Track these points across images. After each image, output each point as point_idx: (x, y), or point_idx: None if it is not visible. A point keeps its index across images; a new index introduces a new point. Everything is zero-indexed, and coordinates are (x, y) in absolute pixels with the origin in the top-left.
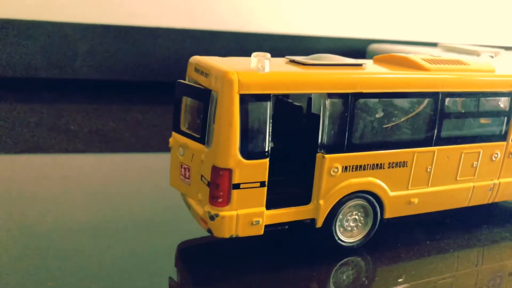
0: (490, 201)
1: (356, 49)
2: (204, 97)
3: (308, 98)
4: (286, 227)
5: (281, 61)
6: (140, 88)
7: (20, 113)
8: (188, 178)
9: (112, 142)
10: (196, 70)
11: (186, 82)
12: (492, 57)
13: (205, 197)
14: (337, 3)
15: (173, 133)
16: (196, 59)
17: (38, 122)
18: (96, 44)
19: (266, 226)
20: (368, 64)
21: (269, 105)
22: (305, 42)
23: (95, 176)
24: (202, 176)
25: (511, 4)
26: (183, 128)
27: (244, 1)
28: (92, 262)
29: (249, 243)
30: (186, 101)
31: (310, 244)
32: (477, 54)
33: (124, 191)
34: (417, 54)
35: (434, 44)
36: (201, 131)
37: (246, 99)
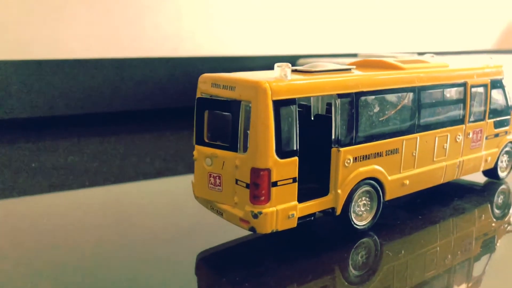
0: (457, 177)
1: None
2: (233, 108)
3: (306, 106)
4: (312, 218)
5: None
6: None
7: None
8: (219, 186)
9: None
10: (216, 85)
11: (208, 97)
12: (432, 57)
13: (244, 199)
14: (265, 25)
15: (196, 146)
16: (210, 76)
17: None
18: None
19: (301, 218)
20: (353, 68)
21: (295, 108)
22: (241, 62)
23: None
24: (237, 180)
25: (425, 10)
26: (207, 140)
27: (172, 26)
28: (112, 273)
29: (263, 244)
30: (208, 114)
31: (319, 234)
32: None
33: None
34: (387, 57)
35: (354, 55)
36: (232, 140)
37: (278, 104)
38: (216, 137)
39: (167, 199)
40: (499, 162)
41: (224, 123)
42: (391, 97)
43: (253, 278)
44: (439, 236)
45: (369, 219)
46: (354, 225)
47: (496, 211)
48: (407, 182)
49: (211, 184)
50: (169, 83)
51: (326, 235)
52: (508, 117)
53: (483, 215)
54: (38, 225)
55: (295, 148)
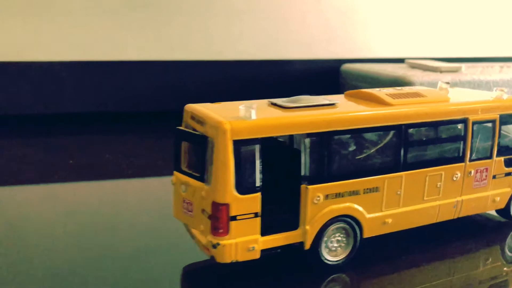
0: (456, 217)
1: (330, 70)
2: (201, 143)
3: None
4: (279, 250)
5: (264, 104)
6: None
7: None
8: (191, 211)
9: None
10: (192, 118)
11: (184, 128)
12: (448, 83)
13: (207, 228)
14: (308, 26)
15: (175, 172)
16: (191, 107)
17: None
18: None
19: (261, 250)
20: (341, 101)
21: (257, 147)
22: (279, 66)
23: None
24: (203, 210)
25: (475, 15)
26: (184, 168)
27: (216, 30)
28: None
29: (247, 266)
30: (185, 144)
31: (300, 265)
32: (439, 70)
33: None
34: (382, 90)
35: (401, 60)
36: (200, 171)
37: (238, 144)
38: (190, 166)
39: None
40: None
41: (196, 154)
42: (370, 136)
43: None
44: (433, 275)
45: (344, 255)
46: (326, 260)
47: (509, 253)
48: (390, 220)
49: (185, 209)
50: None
51: (308, 264)
52: None
53: (491, 258)
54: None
55: (257, 185)
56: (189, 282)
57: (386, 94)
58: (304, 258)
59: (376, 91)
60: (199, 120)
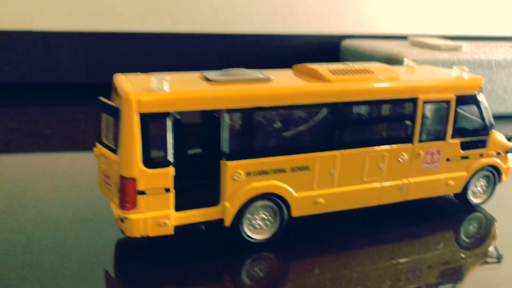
0: (404, 199)
1: (330, 46)
2: (115, 114)
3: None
4: (203, 227)
5: (195, 76)
6: None
7: None
8: (109, 185)
9: None
10: (113, 88)
11: (103, 99)
12: (416, 61)
13: (118, 202)
14: (310, 0)
15: (97, 144)
16: (115, 77)
17: None
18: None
19: (179, 226)
20: (280, 76)
21: (169, 120)
22: (278, 41)
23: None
24: (116, 183)
25: None
26: (103, 140)
27: (217, 2)
28: (31, 257)
29: (165, 241)
30: (104, 115)
31: (226, 241)
32: (438, 48)
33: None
34: (330, 65)
35: (402, 37)
36: (114, 144)
37: (145, 117)
38: (107, 139)
39: None
40: (472, 187)
41: (112, 126)
42: (300, 112)
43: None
44: (373, 258)
45: (269, 234)
46: (248, 238)
47: (464, 239)
48: (322, 200)
49: (105, 182)
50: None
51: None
52: (484, 137)
53: (442, 242)
54: None
55: (168, 159)
56: (104, 255)
57: (329, 70)
58: (229, 235)
59: (319, 66)
60: (116, 91)
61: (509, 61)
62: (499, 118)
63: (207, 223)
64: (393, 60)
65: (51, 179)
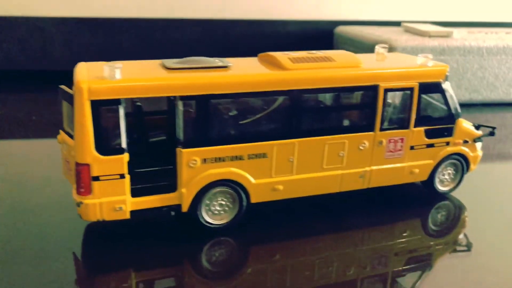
0: (365, 187)
1: (325, 32)
2: (71, 102)
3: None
4: (172, 212)
5: (155, 65)
6: None
7: None
8: (71, 170)
9: None
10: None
11: (64, 87)
12: (386, 48)
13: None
14: None
15: (60, 131)
16: (76, 66)
17: None
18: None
19: (136, 211)
20: (240, 64)
21: (121, 108)
22: (273, 27)
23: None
24: (73, 169)
25: None
26: (65, 127)
27: None
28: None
29: (122, 226)
30: (65, 103)
31: (185, 226)
32: (428, 35)
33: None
34: (291, 53)
35: (398, 23)
36: (73, 131)
37: (97, 104)
38: (70, 126)
39: None
40: (439, 176)
41: (71, 114)
42: (256, 100)
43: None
44: (335, 245)
45: (228, 219)
46: (205, 223)
47: (432, 227)
48: (281, 187)
49: (67, 167)
50: None
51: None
52: (450, 126)
53: (408, 230)
54: None
55: (122, 146)
56: (74, 237)
57: (288, 58)
58: (189, 221)
59: (280, 54)
60: (74, 79)
61: (500, 48)
62: (489, 105)
63: (170, 208)
64: None
65: (32, 164)
